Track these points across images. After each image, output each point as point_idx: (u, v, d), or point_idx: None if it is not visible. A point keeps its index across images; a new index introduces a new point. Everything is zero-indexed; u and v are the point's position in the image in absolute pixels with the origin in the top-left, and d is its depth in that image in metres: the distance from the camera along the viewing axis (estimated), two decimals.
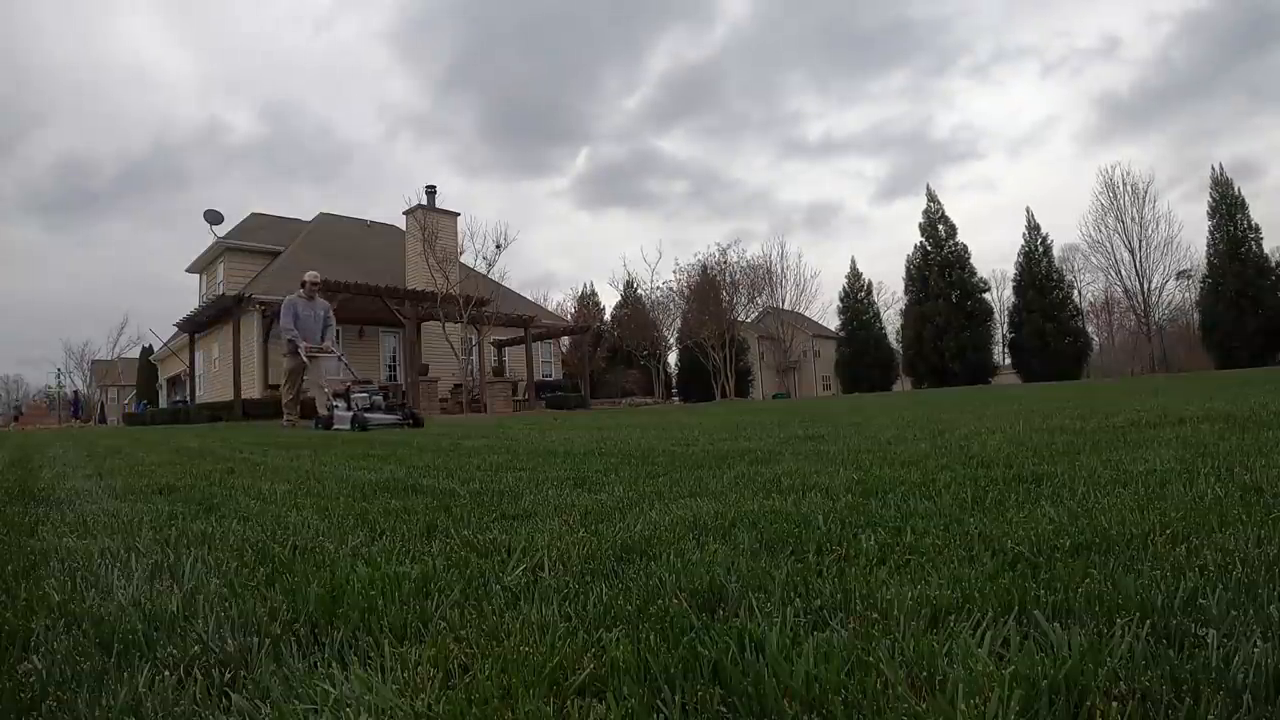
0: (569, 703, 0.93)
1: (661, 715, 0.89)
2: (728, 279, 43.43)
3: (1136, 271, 43.43)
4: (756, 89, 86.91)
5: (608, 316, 49.55)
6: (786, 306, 51.73)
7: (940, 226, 46.76)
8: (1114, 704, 0.83)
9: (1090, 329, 47.82)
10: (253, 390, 20.64)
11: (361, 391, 9.88)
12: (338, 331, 23.36)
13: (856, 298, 51.34)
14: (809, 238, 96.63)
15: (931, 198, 47.46)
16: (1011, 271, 46.06)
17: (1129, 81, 73.97)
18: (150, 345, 39.67)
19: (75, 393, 49.97)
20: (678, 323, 46.79)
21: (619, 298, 49.39)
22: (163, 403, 31.91)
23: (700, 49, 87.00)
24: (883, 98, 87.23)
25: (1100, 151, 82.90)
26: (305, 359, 10.37)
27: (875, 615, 1.16)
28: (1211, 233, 40.27)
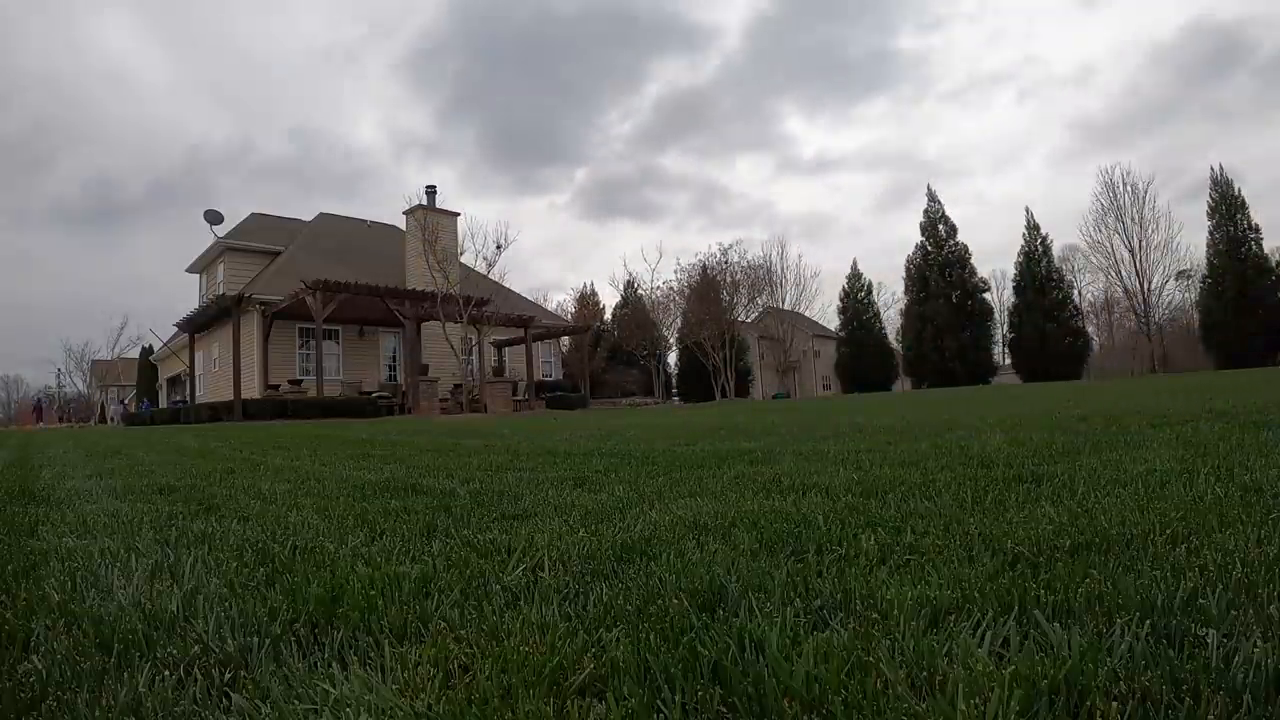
0: (569, 703, 0.93)
1: (662, 715, 0.89)
2: (728, 279, 43.46)
3: (1136, 271, 43.43)
4: (749, 112, 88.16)
5: (608, 316, 49.56)
6: (786, 306, 51.75)
7: (940, 226, 46.77)
8: (1114, 704, 0.83)
9: (1090, 329, 47.83)
10: (253, 390, 20.63)
11: None
12: (337, 333, 23.44)
13: (856, 298, 51.35)
14: (808, 247, 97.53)
15: (932, 198, 47.50)
16: (1011, 271, 46.15)
17: (1104, 102, 75.08)
18: (150, 345, 39.68)
19: (69, 396, 49.68)
20: (678, 323, 46.80)
21: (619, 298, 49.46)
22: (162, 402, 31.88)
23: (696, 75, 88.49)
24: (873, 122, 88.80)
25: (1085, 165, 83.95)
26: None
27: (875, 615, 1.16)
28: (1211, 233, 40.26)
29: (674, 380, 49.60)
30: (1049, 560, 1.44)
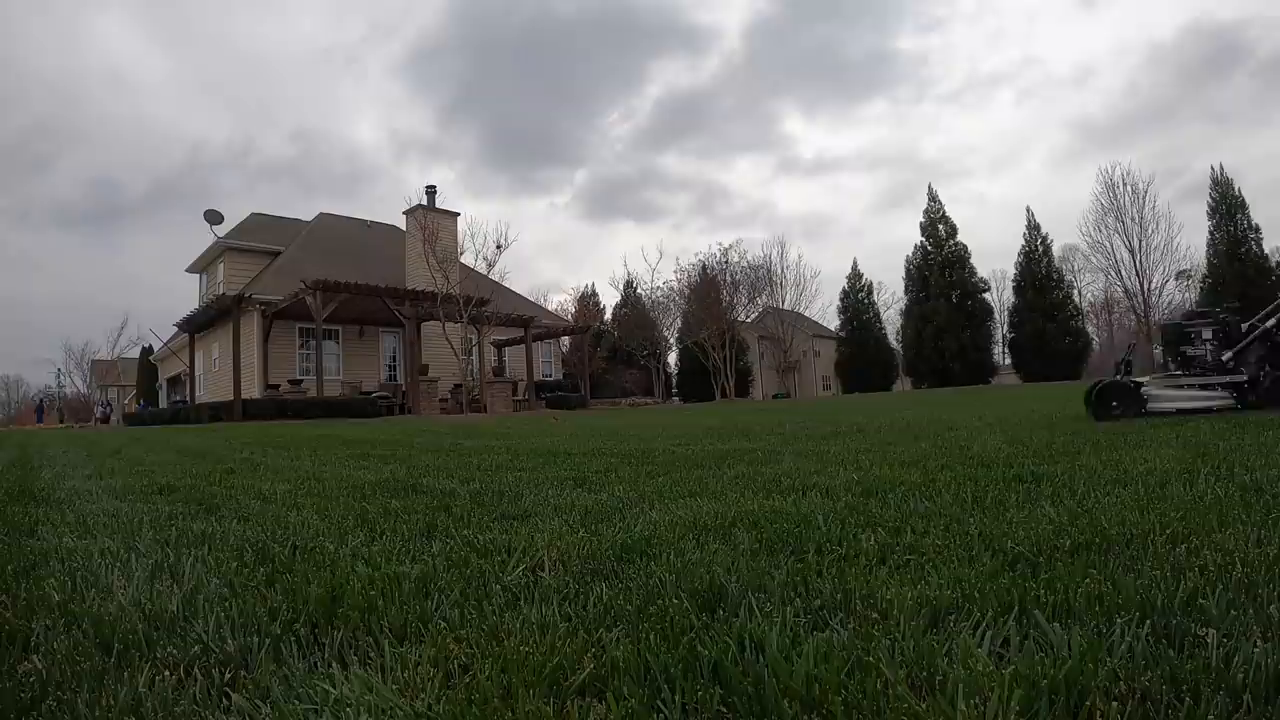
0: (569, 703, 0.93)
1: (661, 715, 0.89)
2: (728, 279, 43.49)
3: (1136, 271, 43.38)
4: (749, 112, 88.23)
5: (608, 316, 49.56)
6: (786, 306, 51.76)
7: (940, 226, 46.76)
8: (1114, 704, 0.83)
9: (1090, 329, 47.79)
10: (253, 390, 20.64)
11: None
12: (337, 333, 23.51)
13: (856, 298, 51.31)
14: (808, 247, 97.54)
15: (932, 198, 47.48)
16: (1011, 271, 46.14)
17: (1103, 102, 75.09)
18: (150, 345, 39.65)
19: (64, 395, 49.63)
20: (678, 323, 46.83)
21: (619, 298, 49.46)
22: (163, 402, 31.87)
23: (696, 76, 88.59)
24: (872, 122, 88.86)
25: (1084, 165, 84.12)
26: None
27: (875, 615, 1.16)
28: (1211, 233, 40.20)
29: (674, 380, 49.60)
30: (1049, 560, 1.44)
